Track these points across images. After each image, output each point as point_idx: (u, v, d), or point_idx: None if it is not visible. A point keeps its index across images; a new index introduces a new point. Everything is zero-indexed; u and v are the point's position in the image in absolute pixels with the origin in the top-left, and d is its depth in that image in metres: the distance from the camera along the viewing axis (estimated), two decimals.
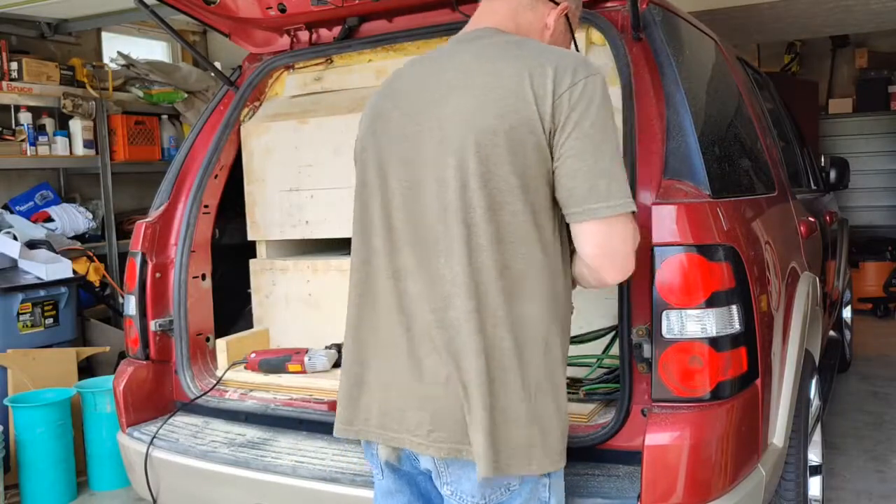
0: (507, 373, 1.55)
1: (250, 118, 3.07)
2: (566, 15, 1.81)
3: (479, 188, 1.53)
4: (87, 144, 5.22)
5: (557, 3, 1.78)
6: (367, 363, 1.70)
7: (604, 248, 1.57)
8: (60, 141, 5.08)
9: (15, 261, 4.30)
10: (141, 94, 5.58)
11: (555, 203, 1.59)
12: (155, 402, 2.79)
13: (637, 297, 2.02)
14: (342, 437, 1.76)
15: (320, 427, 2.50)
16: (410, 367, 1.62)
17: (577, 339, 2.33)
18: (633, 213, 1.59)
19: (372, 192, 1.69)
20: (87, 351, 4.47)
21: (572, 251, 1.65)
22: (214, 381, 2.77)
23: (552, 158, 1.54)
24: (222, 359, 2.86)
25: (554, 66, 1.55)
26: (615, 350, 2.31)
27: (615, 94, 2.27)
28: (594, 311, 2.37)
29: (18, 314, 4.11)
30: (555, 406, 1.60)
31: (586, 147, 1.52)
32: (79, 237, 5.14)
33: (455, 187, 1.55)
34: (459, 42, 1.72)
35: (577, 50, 1.92)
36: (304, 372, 2.70)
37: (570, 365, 2.38)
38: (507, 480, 1.59)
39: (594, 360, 2.37)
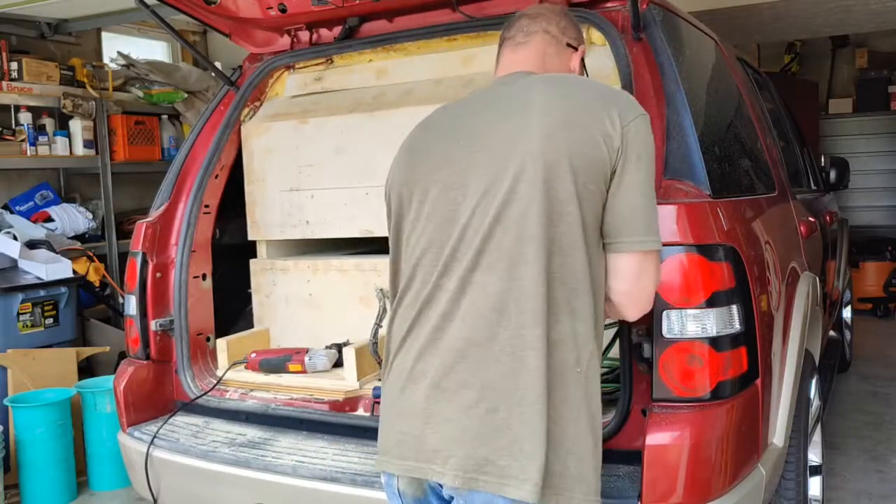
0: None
1: (251, 118, 3.07)
2: (582, 59, 1.88)
3: (541, 201, 1.51)
4: (87, 144, 5.22)
5: (576, 49, 1.85)
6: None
7: (634, 285, 1.58)
8: (60, 141, 5.08)
9: (15, 261, 4.30)
10: (141, 94, 5.58)
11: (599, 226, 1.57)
12: (155, 401, 2.79)
13: None
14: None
15: (321, 427, 2.51)
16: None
17: None
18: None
19: (415, 219, 1.66)
20: (87, 351, 4.47)
21: None
22: (215, 381, 2.77)
23: (610, 183, 1.54)
24: (223, 359, 2.86)
25: (616, 99, 1.59)
26: (614, 351, 2.32)
27: None
28: None
29: (18, 314, 4.11)
30: (592, 437, 1.54)
31: (644, 181, 1.56)
32: (79, 237, 5.14)
33: (514, 200, 1.53)
34: (496, 85, 1.74)
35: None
36: (304, 372, 2.70)
37: None
38: None
39: None
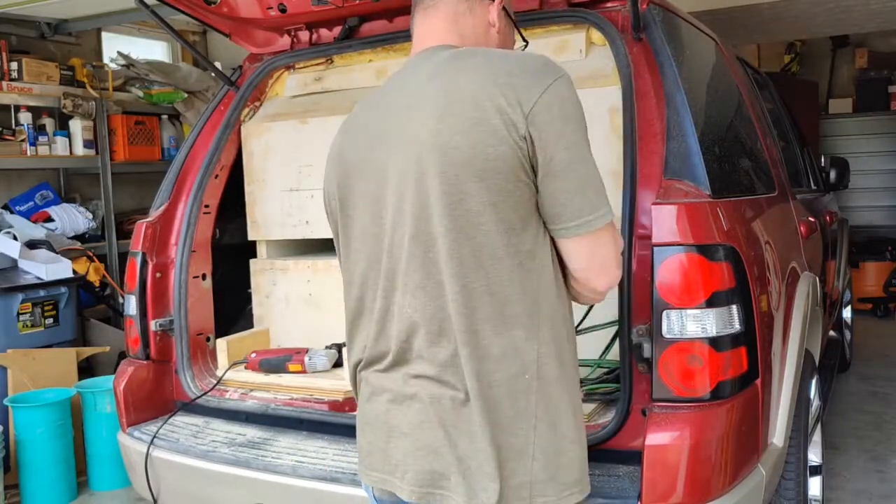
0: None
1: (251, 118, 3.07)
2: (504, 8, 1.69)
3: (451, 217, 1.43)
4: (87, 144, 5.22)
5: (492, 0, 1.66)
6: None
7: (592, 261, 1.49)
8: (60, 141, 5.08)
9: (15, 261, 4.30)
10: (141, 94, 5.58)
11: (532, 219, 1.46)
12: (155, 401, 2.79)
13: (637, 297, 2.02)
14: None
15: (320, 427, 2.51)
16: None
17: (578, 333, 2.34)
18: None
19: (350, 237, 1.62)
20: (87, 351, 4.47)
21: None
22: (215, 381, 2.77)
23: (535, 174, 1.43)
24: (222, 359, 2.86)
25: (517, 78, 1.43)
26: (612, 353, 2.32)
27: (615, 93, 2.28)
28: (595, 312, 2.37)
29: (18, 314, 4.11)
30: (557, 440, 1.48)
31: (575, 158, 1.43)
32: (79, 237, 5.14)
33: (418, 213, 1.46)
34: (408, 70, 1.60)
35: (526, 43, 1.81)
36: (304, 372, 2.70)
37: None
38: None
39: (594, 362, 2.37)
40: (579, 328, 2.34)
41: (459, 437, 1.46)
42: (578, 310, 2.37)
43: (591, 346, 2.37)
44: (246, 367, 2.81)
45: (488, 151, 1.40)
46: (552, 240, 1.49)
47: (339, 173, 1.62)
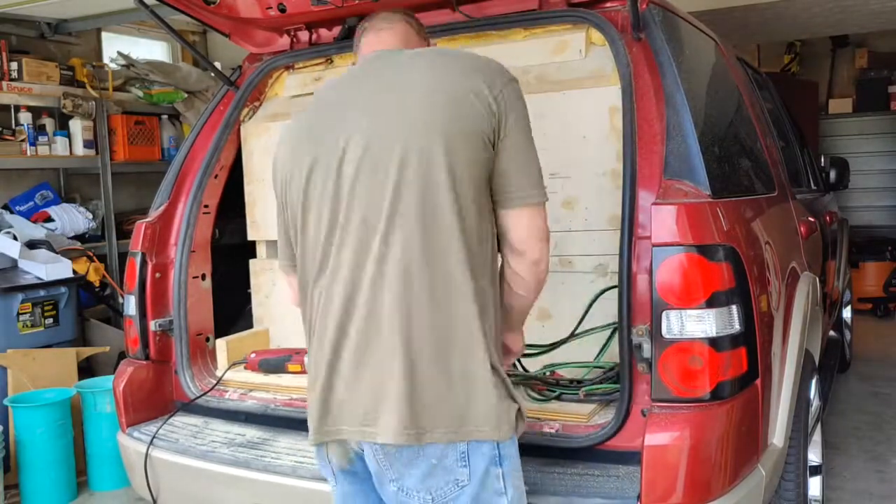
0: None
1: (250, 118, 3.07)
2: None
3: (415, 185, 1.63)
4: (87, 144, 5.22)
5: (428, 43, 2.04)
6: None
7: (533, 231, 1.71)
8: (60, 141, 5.08)
9: (15, 261, 4.30)
10: (141, 94, 5.58)
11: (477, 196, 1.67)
12: (155, 402, 2.79)
13: (637, 297, 2.02)
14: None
15: None
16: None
17: (576, 336, 2.34)
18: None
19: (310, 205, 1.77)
20: (87, 351, 4.47)
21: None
22: (214, 382, 2.77)
23: (493, 151, 1.66)
24: (222, 359, 2.86)
25: (484, 69, 1.71)
26: (611, 354, 2.32)
27: (615, 93, 2.29)
28: (595, 311, 2.37)
29: (18, 314, 4.11)
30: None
31: (526, 142, 1.71)
32: (79, 237, 5.14)
33: (395, 185, 1.64)
34: (367, 63, 1.82)
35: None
36: (304, 372, 2.69)
37: (567, 366, 2.40)
38: (454, 476, 1.61)
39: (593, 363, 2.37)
40: (578, 331, 2.34)
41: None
42: (577, 311, 2.37)
43: (590, 344, 2.37)
44: (245, 368, 2.81)
45: (467, 125, 1.65)
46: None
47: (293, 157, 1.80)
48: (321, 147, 1.73)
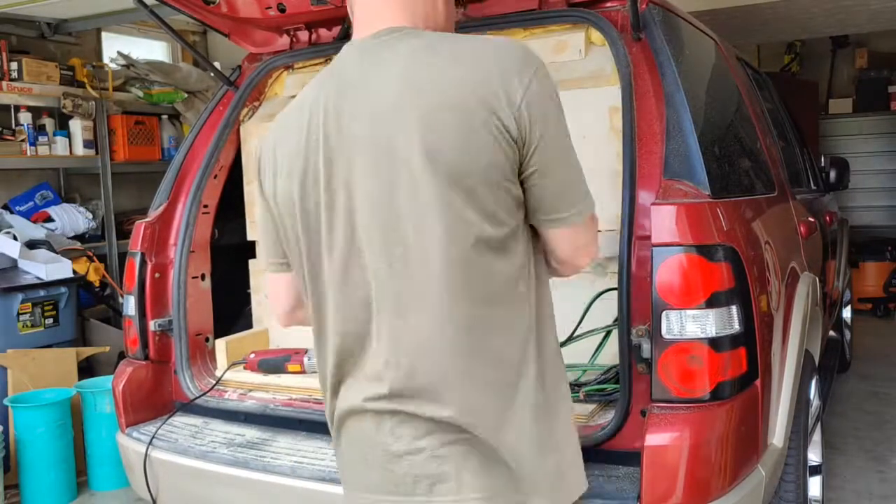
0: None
1: (250, 118, 3.07)
2: None
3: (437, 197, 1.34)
4: (87, 144, 5.22)
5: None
6: None
7: (579, 246, 1.49)
8: (60, 141, 5.08)
9: (15, 261, 4.30)
10: (141, 94, 5.58)
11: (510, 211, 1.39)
12: (154, 402, 2.79)
13: (637, 298, 2.02)
14: None
15: (320, 427, 2.49)
16: None
17: (574, 339, 2.34)
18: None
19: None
20: (87, 351, 4.47)
21: None
22: (214, 382, 2.77)
23: (520, 171, 1.36)
24: (222, 359, 2.86)
25: (499, 64, 1.34)
26: (606, 355, 2.32)
27: (615, 93, 2.28)
28: (595, 312, 2.37)
29: (18, 314, 4.11)
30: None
31: (559, 155, 1.39)
32: (79, 237, 5.14)
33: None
34: (362, 58, 1.43)
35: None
36: (303, 372, 2.70)
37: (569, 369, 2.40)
38: None
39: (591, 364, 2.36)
40: (575, 333, 2.34)
41: None
42: (576, 313, 2.37)
43: (589, 346, 2.37)
44: (245, 368, 2.81)
45: (479, 158, 1.36)
46: None
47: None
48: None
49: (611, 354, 2.32)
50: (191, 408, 2.75)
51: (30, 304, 4.15)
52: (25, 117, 4.93)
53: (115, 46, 5.94)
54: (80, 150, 5.20)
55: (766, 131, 3.10)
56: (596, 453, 2.07)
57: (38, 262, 4.29)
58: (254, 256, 3.15)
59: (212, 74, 4.71)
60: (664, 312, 1.96)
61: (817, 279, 3.08)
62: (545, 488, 1.42)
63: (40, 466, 3.74)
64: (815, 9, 5.61)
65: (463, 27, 2.64)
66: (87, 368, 4.56)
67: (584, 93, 2.45)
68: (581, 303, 2.37)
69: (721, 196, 2.11)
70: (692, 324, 1.94)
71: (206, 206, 2.91)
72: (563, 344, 2.38)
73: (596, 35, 2.47)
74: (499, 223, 1.36)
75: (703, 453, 1.93)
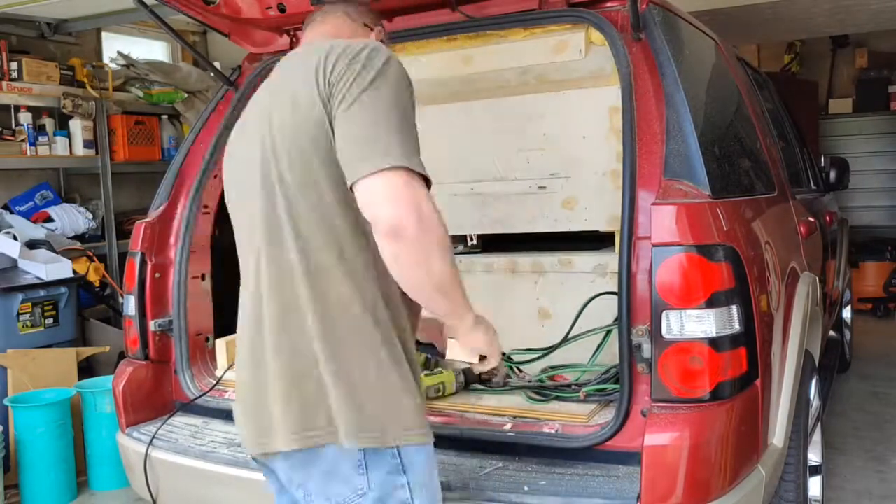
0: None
1: None
2: (381, 41, 1.89)
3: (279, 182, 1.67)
4: (87, 144, 5.22)
5: (372, 29, 1.91)
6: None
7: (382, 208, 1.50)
8: (60, 141, 5.08)
9: (15, 261, 4.30)
10: (141, 94, 5.58)
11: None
12: (154, 402, 2.79)
13: (637, 298, 2.02)
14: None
15: None
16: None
17: (573, 339, 2.34)
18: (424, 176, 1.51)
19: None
20: (87, 351, 4.47)
21: None
22: (214, 382, 2.77)
23: (333, 132, 1.57)
24: (222, 359, 2.85)
25: (336, 49, 1.61)
26: (607, 355, 2.32)
27: (615, 93, 2.28)
28: (594, 312, 2.37)
29: (18, 314, 4.11)
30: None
31: (365, 114, 1.53)
32: (79, 237, 5.14)
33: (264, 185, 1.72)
34: (283, 60, 1.87)
35: None
36: None
37: (566, 367, 2.40)
38: (357, 482, 1.60)
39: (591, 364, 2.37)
40: (571, 334, 2.34)
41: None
42: (573, 312, 2.37)
43: (588, 346, 2.37)
44: None
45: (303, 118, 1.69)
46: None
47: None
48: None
49: (611, 354, 2.32)
50: (191, 408, 2.75)
51: (30, 304, 4.15)
52: (25, 117, 4.93)
53: (115, 46, 5.94)
54: (80, 150, 5.20)
55: (766, 131, 3.10)
56: (596, 453, 2.07)
57: (38, 262, 4.29)
58: None
59: (212, 74, 4.71)
60: (664, 312, 1.96)
61: (817, 279, 3.08)
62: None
63: (40, 466, 3.74)
64: (815, 9, 5.61)
65: (464, 27, 2.64)
66: (87, 368, 4.56)
67: (584, 93, 2.45)
68: (581, 303, 2.37)
69: (721, 196, 2.11)
70: (692, 324, 1.94)
71: (206, 206, 2.91)
72: (561, 344, 2.39)
73: (596, 35, 2.47)
74: None
75: (704, 453, 1.93)
